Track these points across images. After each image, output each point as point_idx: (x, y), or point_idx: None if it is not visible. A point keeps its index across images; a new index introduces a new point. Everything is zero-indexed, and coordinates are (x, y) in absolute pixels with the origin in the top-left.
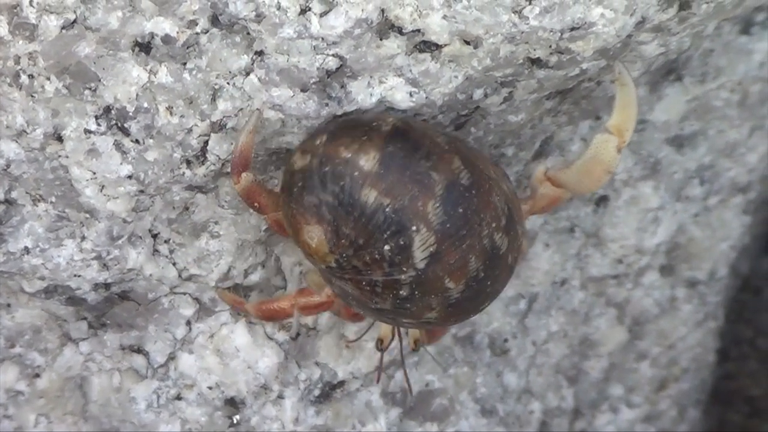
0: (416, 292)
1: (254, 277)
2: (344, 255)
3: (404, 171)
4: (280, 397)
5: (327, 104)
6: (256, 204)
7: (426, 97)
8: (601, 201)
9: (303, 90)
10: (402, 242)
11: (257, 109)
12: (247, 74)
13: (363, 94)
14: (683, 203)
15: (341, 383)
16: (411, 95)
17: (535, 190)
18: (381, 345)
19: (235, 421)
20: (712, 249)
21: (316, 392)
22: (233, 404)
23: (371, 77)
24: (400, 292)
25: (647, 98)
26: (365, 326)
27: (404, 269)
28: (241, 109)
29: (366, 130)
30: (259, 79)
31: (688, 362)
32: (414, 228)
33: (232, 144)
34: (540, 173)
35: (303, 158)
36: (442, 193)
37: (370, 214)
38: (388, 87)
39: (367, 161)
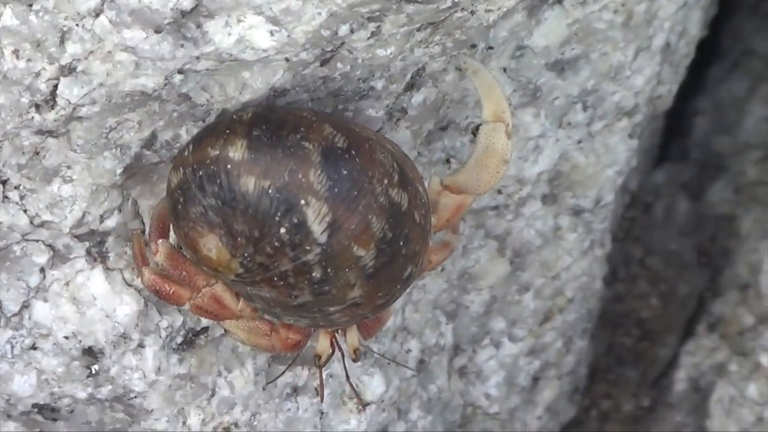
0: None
1: (110, 222)
2: (246, 255)
3: (275, 149)
4: (141, 345)
5: (182, 45)
6: (184, 273)
7: (288, 36)
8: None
9: (157, 31)
10: (296, 220)
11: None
12: (97, 15)
13: (220, 34)
14: (566, 130)
15: (205, 329)
16: (272, 34)
17: (436, 203)
18: (319, 361)
19: (93, 372)
20: (597, 175)
21: (179, 339)
22: (91, 354)
23: (229, 16)
24: (314, 275)
25: (525, 24)
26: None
27: (308, 248)
28: (92, 51)
29: (227, 125)
30: (110, 21)
31: (574, 292)
32: (303, 201)
33: (83, 88)
34: (435, 184)
35: (176, 174)
36: (320, 159)
37: (256, 202)
38: (246, 26)
39: (236, 151)
